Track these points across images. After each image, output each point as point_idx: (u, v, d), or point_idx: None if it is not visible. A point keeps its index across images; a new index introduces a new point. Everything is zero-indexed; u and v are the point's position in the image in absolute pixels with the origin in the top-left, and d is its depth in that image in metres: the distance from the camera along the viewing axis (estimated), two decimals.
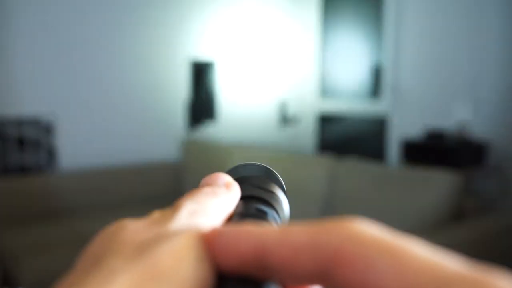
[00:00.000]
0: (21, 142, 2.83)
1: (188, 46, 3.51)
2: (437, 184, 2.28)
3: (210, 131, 3.66)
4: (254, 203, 0.25)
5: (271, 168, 0.28)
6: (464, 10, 3.21)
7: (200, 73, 3.57)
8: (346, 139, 4.08)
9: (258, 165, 0.28)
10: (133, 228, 0.21)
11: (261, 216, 0.23)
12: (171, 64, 3.44)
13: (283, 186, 0.28)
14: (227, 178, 0.25)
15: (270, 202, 0.25)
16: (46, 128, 2.91)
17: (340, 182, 2.66)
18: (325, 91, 4.16)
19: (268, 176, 0.28)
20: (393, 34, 3.60)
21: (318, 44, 4.15)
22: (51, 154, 2.94)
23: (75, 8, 2.99)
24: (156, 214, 0.22)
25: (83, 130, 3.08)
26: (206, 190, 0.24)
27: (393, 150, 3.63)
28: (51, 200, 2.81)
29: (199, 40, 3.57)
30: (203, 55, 3.60)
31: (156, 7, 3.33)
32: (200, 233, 0.20)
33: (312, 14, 4.16)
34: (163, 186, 3.30)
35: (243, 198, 0.25)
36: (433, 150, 3.14)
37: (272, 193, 0.26)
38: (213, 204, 0.23)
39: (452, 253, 1.98)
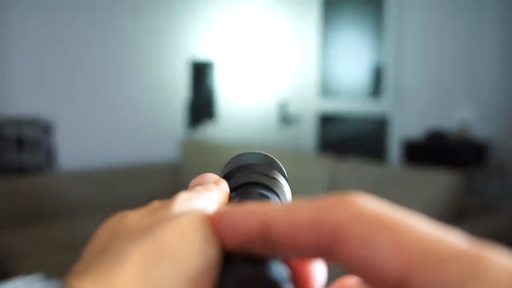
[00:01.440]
0: (20, 142, 2.82)
1: (187, 46, 3.50)
2: (438, 184, 2.27)
3: (210, 131, 3.65)
4: (256, 189, 0.26)
5: (273, 157, 0.29)
6: (466, 10, 3.19)
7: (200, 72, 3.56)
8: (347, 139, 4.07)
9: (261, 153, 0.29)
10: (135, 216, 0.22)
11: (264, 197, 0.25)
12: (170, 64, 3.44)
13: (285, 174, 0.28)
14: (214, 177, 0.26)
15: (272, 187, 0.26)
16: (45, 128, 2.90)
17: (341, 182, 2.65)
18: (326, 90, 4.15)
19: (270, 164, 0.28)
20: (394, 33, 3.59)
21: (319, 43, 4.14)
22: (50, 154, 2.93)
23: (74, 8, 2.98)
24: (155, 203, 0.23)
25: (82, 130, 3.07)
26: (197, 188, 0.25)
27: (394, 150, 3.62)
28: (50, 200, 2.80)
29: (198, 39, 3.56)
30: (203, 55, 3.59)
31: (156, 7, 3.32)
32: (203, 213, 0.21)
33: (313, 13, 4.15)
34: (163, 186, 3.29)
35: (246, 184, 0.26)
36: (434, 150, 3.13)
37: (274, 179, 0.27)
38: (207, 194, 0.24)
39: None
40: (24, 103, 2.85)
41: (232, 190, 0.26)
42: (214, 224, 0.20)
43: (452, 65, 3.27)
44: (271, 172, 0.28)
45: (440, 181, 2.28)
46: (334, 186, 2.66)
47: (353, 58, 3.97)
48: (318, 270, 0.21)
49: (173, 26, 3.42)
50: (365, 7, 3.89)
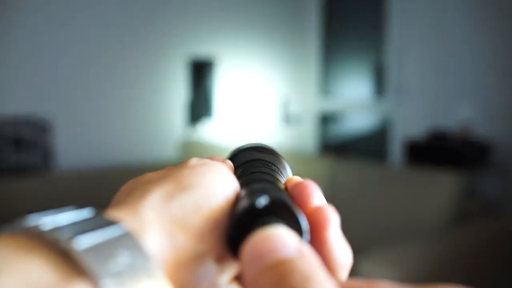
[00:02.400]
0: (17, 142, 2.80)
1: (187, 45, 3.49)
2: (440, 185, 2.26)
3: (210, 131, 3.63)
4: (260, 162, 0.29)
5: (269, 146, 0.32)
6: (467, 9, 3.18)
7: (200, 72, 3.55)
8: (348, 139, 4.06)
9: (259, 143, 0.32)
10: (154, 173, 0.25)
11: (267, 167, 0.28)
12: (170, 63, 3.42)
13: (281, 155, 0.31)
14: (221, 157, 0.30)
15: (272, 161, 0.30)
16: (42, 128, 2.88)
17: (342, 183, 2.64)
18: (327, 90, 4.13)
19: (268, 147, 0.31)
20: (397, 33, 3.57)
21: (320, 42, 4.13)
22: (47, 154, 2.92)
23: (72, 7, 2.97)
24: (168, 167, 0.26)
25: (80, 130, 3.05)
26: (205, 161, 0.27)
27: (396, 150, 3.60)
28: (48, 200, 2.79)
29: (198, 38, 3.55)
30: (203, 54, 3.57)
31: (156, 6, 3.31)
32: (218, 165, 0.26)
33: (314, 12, 4.13)
34: None
35: (251, 160, 0.30)
36: (436, 150, 3.12)
37: (274, 155, 0.30)
38: (214, 162, 0.27)
39: (454, 254, 1.95)
40: (21, 103, 2.84)
41: (236, 167, 0.30)
42: None
43: (454, 64, 3.25)
44: (269, 151, 0.31)
45: (442, 181, 2.26)
46: (335, 186, 2.64)
47: (354, 57, 3.95)
48: (336, 243, 0.22)
49: (173, 25, 3.41)
50: (367, 7, 3.87)
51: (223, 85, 3.70)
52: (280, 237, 0.18)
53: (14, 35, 2.78)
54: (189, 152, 3.37)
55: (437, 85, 3.35)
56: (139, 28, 3.25)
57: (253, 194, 0.21)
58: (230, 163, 0.30)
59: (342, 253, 0.22)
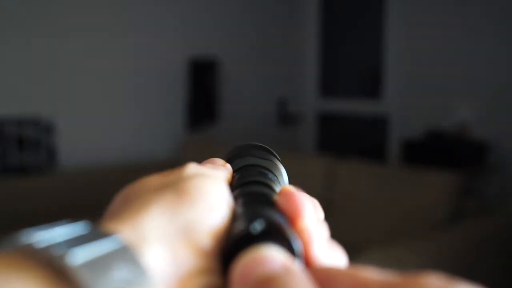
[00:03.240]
0: (20, 142, 2.82)
1: (188, 45, 3.50)
2: (437, 184, 2.28)
3: (210, 130, 3.65)
4: (256, 168, 0.30)
5: (267, 146, 0.32)
6: (465, 10, 3.20)
7: (200, 72, 3.56)
8: (346, 138, 4.08)
9: (257, 144, 0.32)
10: (151, 179, 0.24)
11: (263, 175, 0.28)
12: (171, 63, 3.44)
13: (279, 159, 0.32)
14: (221, 160, 0.30)
15: (269, 168, 0.30)
16: (46, 128, 2.90)
17: (340, 182, 2.65)
18: (326, 90, 4.16)
19: (266, 150, 0.32)
20: (394, 33, 3.59)
21: (319, 42, 4.15)
22: (51, 154, 2.94)
23: (73, 7, 2.98)
24: (167, 172, 0.25)
25: (83, 130, 3.07)
26: (207, 165, 0.28)
27: (394, 149, 3.62)
28: (52, 199, 2.81)
29: (199, 39, 3.56)
30: (203, 54, 3.59)
31: (156, 6, 3.33)
32: (214, 173, 0.26)
33: (313, 13, 4.15)
34: None
35: (248, 166, 0.30)
36: (434, 150, 3.14)
37: (271, 161, 0.31)
38: (215, 171, 0.27)
39: (451, 253, 1.97)
40: (25, 103, 2.85)
41: (234, 171, 0.30)
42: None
43: (452, 65, 3.28)
44: (266, 155, 0.31)
45: (440, 181, 2.28)
46: (333, 186, 2.66)
47: (352, 58, 3.97)
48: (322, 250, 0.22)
49: (174, 25, 3.42)
50: (365, 7, 3.89)
51: (223, 85, 3.72)
52: (267, 256, 0.18)
53: (17, 35, 2.80)
54: (190, 152, 3.39)
55: (435, 85, 3.38)
56: (140, 29, 3.27)
57: (249, 216, 0.21)
58: (230, 168, 0.29)
59: (332, 264, 0.22)
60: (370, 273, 0.18)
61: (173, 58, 3.44)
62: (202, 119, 3.61)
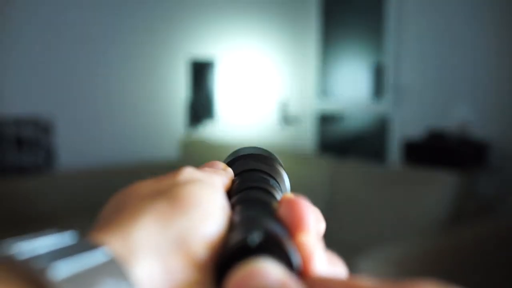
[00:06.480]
0: (19, 142, 2.82)
1: (188, 45, 3.50)
2: (438, 185, 2.27)
3: (210, 131, 3.65)
4: (257, 173, 0.29)
5: (269, 150, 0.32)
6: (465, 9, 3.20)
7: (200, 72, 3.56)
8: (347, 139, 4.07)
9: (258, 147, 0.32)
10: (144, 185, 0.24)
11: (264, 181, 0.28)
12: (171, 63, 3.44)
13: (281, 163, 0.31)
14: (222, 164, 0.29)
15: (270, 173, 0.30)
16: (44, 128, 2.90)
17: (341, 183, 2.65)
18: (326, 91, 4.15)
19: (268, 155, 0.31)
20: (394, 33, 3.59)
21: (319, 43, 4.14)
22: (49, 154, 2.93)
23: (73, 7, 2.98)
24: (161, 177, 0.25)
25: (82, 130, 3.07)
26: (206, 169, 0.27)
27: (394, 150, 3.62)
28: (50, 200, 2.80)
29: (199, 39, 3.56)
30: (203, 54, 3.59)
31: (156, 6, 3.33)
32: (208, 180, 0.24)
33: (313, 13, 4.15)
34: None
35: (249, 170, 0.29)
36: (434, 150, 3.13)
37: (273, 166, 0.30)
38: (215, 176, 0.26)
39: (451, 254, 1.97)
40: (24, 103, 2.85)
41: (234, 175, 0.29)
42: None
43: (452, 65, 3.27)
44: (268, 161, 0.30)
45: (440, 181, 2.28)
46: (334, 186, 2.66)
47: (353, 58, 3.97)
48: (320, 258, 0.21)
49: (173, 26, 3.42)
50: (366, 7, 3.89)
51: (223, 85, 3.72)
52: (263, 270, 0.17)
53: (17, 35, 2.79)
54: (190, 152, 3.39)
55: (435, 85, 3.37)
56: (140, 29, 3.26)
57: (247, 226, 0.20)
58: (231, 171, 0.29)
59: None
60: (365, 281, 0.17)
61: (174, 58, 3.44)
62: (202, 119, 3.61)
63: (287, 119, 4.15)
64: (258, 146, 0.32)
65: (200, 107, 3.58)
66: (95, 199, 2.99)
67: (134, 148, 3.29)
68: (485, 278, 2.08)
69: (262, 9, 3.93)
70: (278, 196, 0.27)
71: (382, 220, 2.41)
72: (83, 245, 0.18)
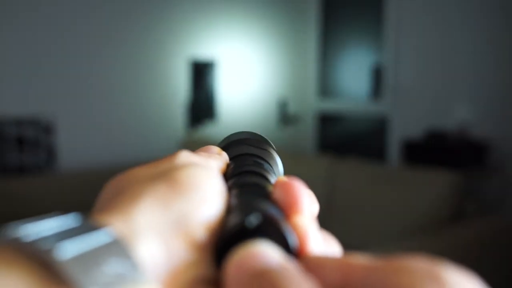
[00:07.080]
0: (20, 142, 2.82)
1: (188, 46, 3.51)
2: (438, 185, 2.28)
3: (210, 131, 3.66)
4: (251, 158, 0.29)
5: (262, 134, 0.32)
6: (464, 10, 3.20)
7: (200, 72, 3.57)
8: (346, 139, 4.08)
9: (253, 132, 0.32)
10: (141, 169, 0.24)
11: (259, 165, 0.28)
12: (171, 64, 3.44)
13: (274, 147, 0.31)
14: (217, 148, 0.29)
15: (264, 157, 0.30)
16: (45, 128, 2.90)
17: (340, 182, 2.65)
18: (326, 90, 4.16)
19: (261, 139, 0.32)
20: (394, 34, 3.59)
21: (319, 43, 4.15)
22: (50, 154, 2.94)
23: (74, 7, 2.98)
24: (158, 161, 0.25)
25: (83, 130, 3.07)
26: (201, 153, 0.28)
27: (394, 150, 3.62)
28: (51, 200, 2.81)
29: (199, 39, 3.57)
30: (203, 55, 3.59)
31: (156, 6, 3.33)
32: (210, 165, 0.25)
33: (313, 14, 4.15)
34: None
35: (243, 155, 0.30)
36: (434, 150, 3.14)
37: (266, 150, 0.31)
38: (209, 160, 0.27)
39: (451, 254, 1.97)
40: (25, 103, 2.85)
41: (229, 160, 0.30)
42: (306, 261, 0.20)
43: (451, 65, 3.27)
44: (262, 145, 0.31)
45: (440, 181, 2.28)
46: (333, 186, 2.66)
47: (352, 58, 3.97)
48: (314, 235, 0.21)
49: (174, 26, 3.42)
50: (365, 8, 3.89)
51: (223, 85, 3.72)
52: (262, 252, 0.18)
53: (17, 35, 2.80)
54: (190, 151, 3.39)
55: (435, 86, 3.37)
56: (141, 30, 3.27)
57: (244, 209, 0.21)
58: (226, 156, 0.29)
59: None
60: (359, 258, 0.18)
61: (174, 58, 3.45)
62: (202, 119, 3.61)
63: (287, 119, 4.16)
64: (252, 131, 0.32)
65: (201, 107, 3.59)
66: (96, 199, 3.00)
67: (134, 148, 3.30)
68: (484, 277, 2.08)
69: (262, 10, 3.93)
70: (272, 179, 0.27)
71: (382, 220, 2.41)
72: (87, 227, 0.18)
